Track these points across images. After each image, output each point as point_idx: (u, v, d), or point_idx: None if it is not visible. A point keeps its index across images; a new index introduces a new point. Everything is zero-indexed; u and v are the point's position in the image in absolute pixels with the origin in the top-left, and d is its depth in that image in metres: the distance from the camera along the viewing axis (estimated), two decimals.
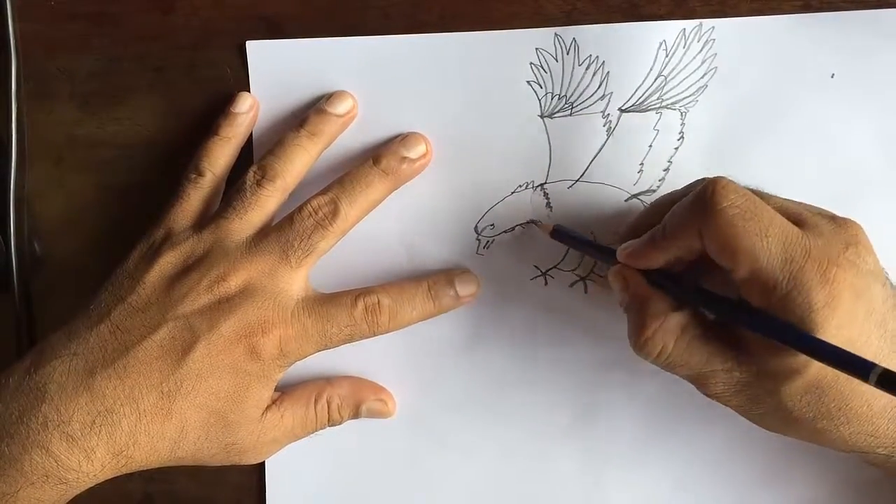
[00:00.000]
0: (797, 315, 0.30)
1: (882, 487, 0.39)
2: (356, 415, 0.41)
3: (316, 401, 0.40)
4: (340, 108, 0.40)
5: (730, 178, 0.32)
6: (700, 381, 0.33)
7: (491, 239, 0.41)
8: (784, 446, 0.33)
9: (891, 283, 0.32)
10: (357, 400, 0.41)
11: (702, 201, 0.32)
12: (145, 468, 0.36)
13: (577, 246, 0.39)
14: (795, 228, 0.31)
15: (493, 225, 0.41)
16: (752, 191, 0.33)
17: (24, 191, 0.44)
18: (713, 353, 0.33)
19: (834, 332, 0.29)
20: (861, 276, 0.30)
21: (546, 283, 0.41)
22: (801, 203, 0.34)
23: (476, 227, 0.41)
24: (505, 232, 0.41)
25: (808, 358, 0.30)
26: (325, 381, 0.41)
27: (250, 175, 0.39)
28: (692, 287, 0.34)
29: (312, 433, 0.41)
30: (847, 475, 0.40)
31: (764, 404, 0.32)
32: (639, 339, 0.33)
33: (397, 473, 0.43)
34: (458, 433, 0.42)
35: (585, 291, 0.41)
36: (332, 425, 0.41)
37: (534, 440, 0.42)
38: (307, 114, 0.41)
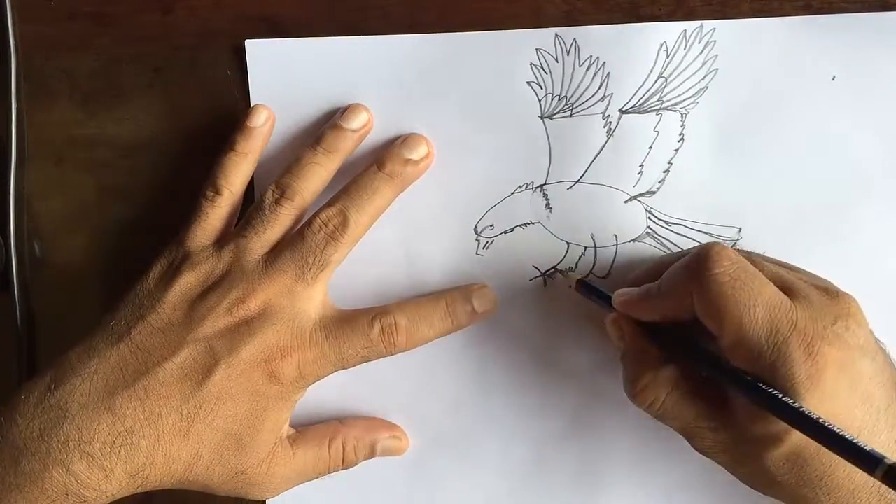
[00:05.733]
0: (780, 386, 0.30)
1: None
2: (371, 455, 0.41)
3: (330, 442, 0.40)
4: (356, 122, 0.40)
5: (723, 244, 0.33)
6: (689, 436, 0.34)
7: (490, 240, 0.41)
8: None
9: (887, 358, 0.32)
10: (372, 440, 0.41)
11: (696, 265, 0.32)
12: (158, 488, 0.36)
13: (598, 301, 0.38)
14: (785, 299, 0.31)
15: (492, 225, 0.41)
16: (749, 256, 0.33)
17: (24, 191, 0.44)
18: (702, 411, 0.34)
19: (816, 404, 0.30)
20: (847, 350, 0.30)
21: (545, 285, 0.41)
22: (797, 271, 0.34)
23: (476, 227, 0.41)
24: (504, 232, 0.41)
25: (790, 427, 0.30)
26: (339, 422, 0.41)
27: (269, 194, 0.39)
28: (686, 343, 0.34)
29: (325, 475, 0.40)
30: None
31: (748, 466, 0.33)
32: (633, 389, 0.35)
33: (395, 474, 0.43)
34: (454, 435, 0.42)
35: None
36: (346, 467, 0.41)
37: (531, 442, 0.42)
38: (322, 130, 0.40)
